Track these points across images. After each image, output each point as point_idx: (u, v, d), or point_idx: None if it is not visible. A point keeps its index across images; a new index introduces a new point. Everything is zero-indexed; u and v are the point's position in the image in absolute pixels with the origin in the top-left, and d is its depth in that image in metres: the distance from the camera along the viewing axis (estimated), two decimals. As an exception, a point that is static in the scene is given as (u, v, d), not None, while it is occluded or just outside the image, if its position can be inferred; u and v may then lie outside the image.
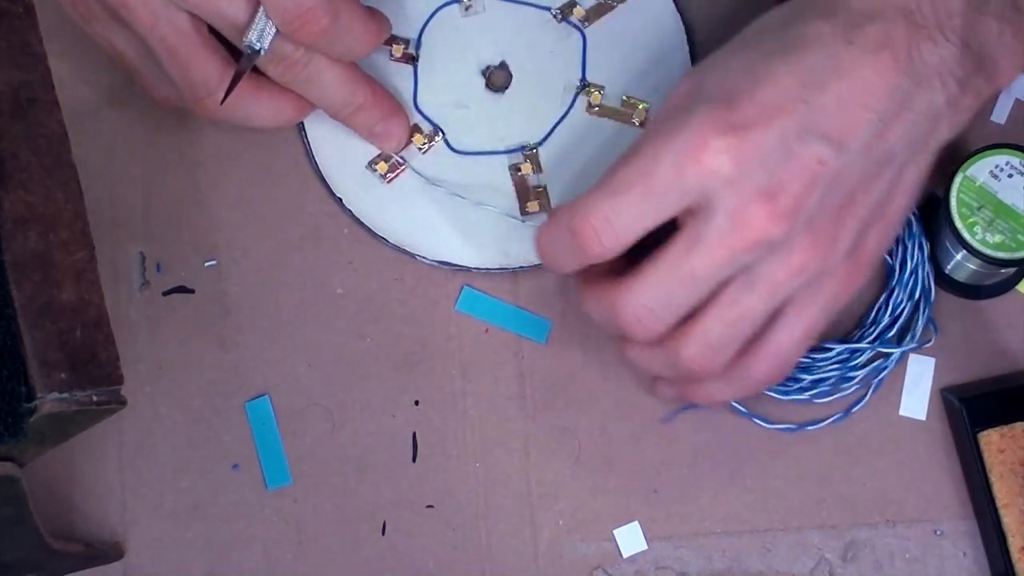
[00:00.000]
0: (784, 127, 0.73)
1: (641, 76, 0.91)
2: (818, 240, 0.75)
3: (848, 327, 0.88)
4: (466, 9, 0.91)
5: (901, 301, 0.87)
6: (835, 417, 0.87)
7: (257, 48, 0.81)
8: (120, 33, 0.83)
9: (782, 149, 0.73)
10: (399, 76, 0.91)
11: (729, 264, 0.75)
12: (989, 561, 0.85)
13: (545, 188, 0.89)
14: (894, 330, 0.87)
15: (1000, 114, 0.90)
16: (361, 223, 0.89)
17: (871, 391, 0.87)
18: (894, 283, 0.87)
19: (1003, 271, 0.85)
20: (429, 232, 0.89)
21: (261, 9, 0.80)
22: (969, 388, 0.87)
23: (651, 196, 0.75)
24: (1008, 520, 0.83)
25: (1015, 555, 0.83)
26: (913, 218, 0.87)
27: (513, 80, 0.90)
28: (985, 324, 0.88)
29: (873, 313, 0.88)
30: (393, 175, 0.90)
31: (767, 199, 0.73)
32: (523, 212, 0.89)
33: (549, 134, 0.90)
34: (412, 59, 0.91)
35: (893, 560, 0.86)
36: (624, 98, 0.90)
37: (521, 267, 0.89)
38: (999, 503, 0.84)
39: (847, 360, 0.87)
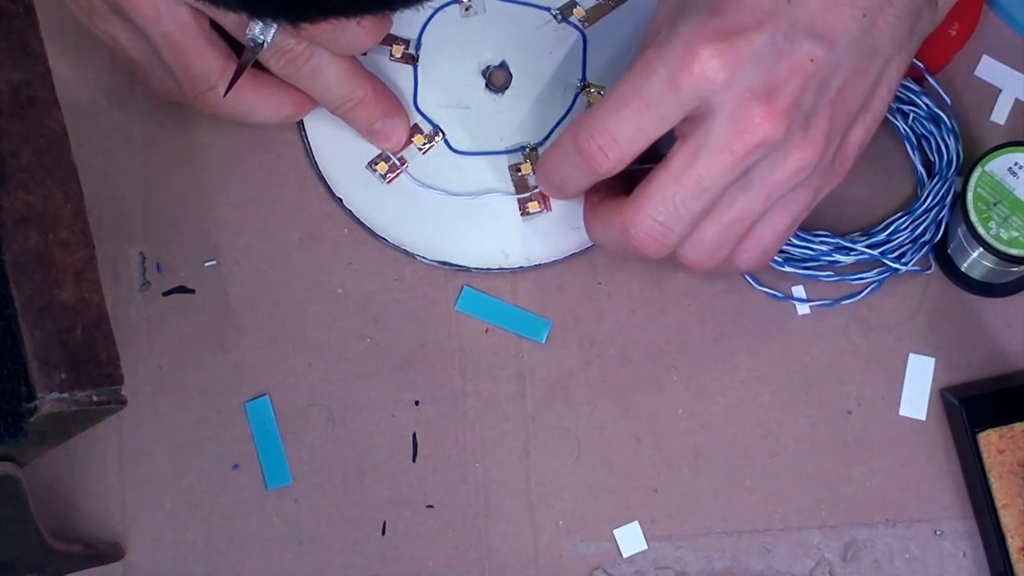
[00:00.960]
0: (772, 28, 0.74)
1: None
2: (813, 139, 0.77)
3: (848, 229, 0.89)
4: (466, 9, 0.91)
5: (905, 226, 0.88)
6: (822, 303, 0.88)
7: (260, 41, 0.81)
8: (121, 27, 0.83)
9: (773, 50, 0.75)
10: (399, 76, 0.91)
11: (733, 168, 0.76)
12: (988, 561, 0.85)
13: None
14: (885, 247, 0.88)
15: (1000, 114, 0.90)
16: (361, 223, 0.89)
17: (857, 295, 0.88)
18: (910, 208, 0.88)
19: (1015, 269, 0.85)
20: (429, 232, 0.89)
21: None
22: (968, 388, 0.87)
23: (649, 110, 0.76)
24: (1007, 520, 0.83)
25: (1014, 555, 0.83)
26: (955, 158, 0.88)
27: (513, 80, 0.90)
28: (985, 324, 0.88)
29: (880, 226, 0.88)
30: (393, 175, 0.90)
31: (764, 99, 0.75)
32: (523, 212, 0.89)
33: (549, 134, 0.90)
34: (412, 59, 0.91)
35: (893, 560, 0.86)
36: None
37: (521, 267, 0.89)
38: (998, 503, 0.84)
39: (831, 252, 0.88)
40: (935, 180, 0.87)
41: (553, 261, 0.89)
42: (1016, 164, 0.83)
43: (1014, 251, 0.82)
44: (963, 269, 0.88)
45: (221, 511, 0.87)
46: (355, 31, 0.82)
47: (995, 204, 0.83)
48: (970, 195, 0.83)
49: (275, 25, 0.80)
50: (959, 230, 0.85)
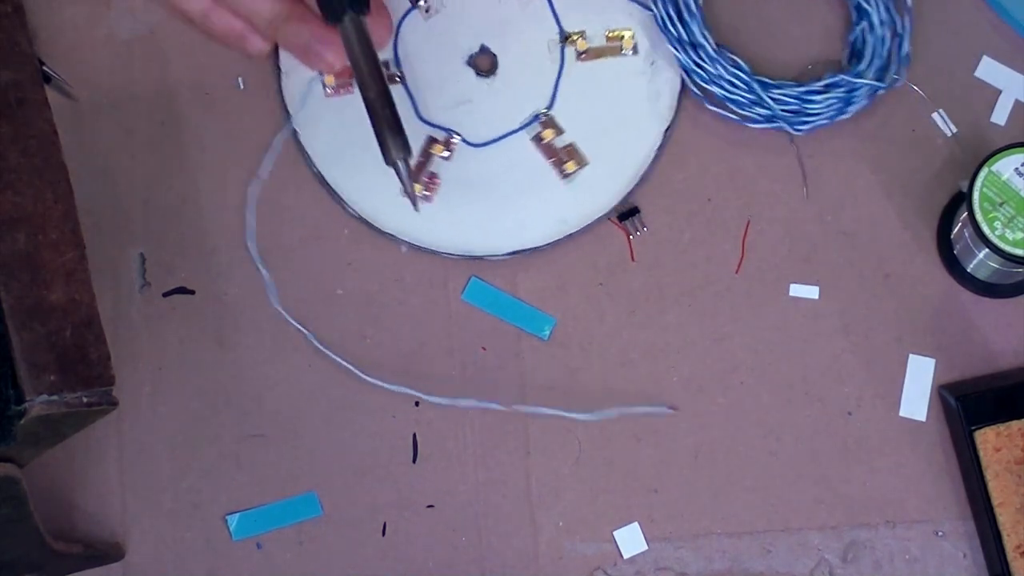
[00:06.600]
0: None
1: (614, 6, 0.91)
2: None
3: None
4: (426, 11, 0.91)
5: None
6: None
7: None
8: None
9: None
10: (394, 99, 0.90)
11: None
12: (986, 561, 0.85)
13: (574, 144, 0.90)
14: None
15: (1000, 115, 0.89)
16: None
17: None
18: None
19: (1020, 270, 0.85)
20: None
21: None
22: (966, 386, 0.86)
23: None
24: (1004, 519, 0.83)
25: (1010, 554, 0.83)
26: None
27: (498, 59, 0.90)
28: (985, 325, 0.87)
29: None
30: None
31: None
32: (563, 175, 0.89)
33: (554, 95, 0.90)
34: (397, 78, 0.90)
35: (893, 561, 0.86)
36: (607, 33, 0.90)
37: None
38: (995, 501, 0.83)
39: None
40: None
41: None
42: (1023, 165, 0.83)
43: (1019, 252, 0.82)
44: (969, 270, 0.87)
45: (221, 511, 0.88)
46: None
47: (1001, 205, 0.82)
48: (976, 195, 0.82)
49: None
50: (965, 231, 0.85)
